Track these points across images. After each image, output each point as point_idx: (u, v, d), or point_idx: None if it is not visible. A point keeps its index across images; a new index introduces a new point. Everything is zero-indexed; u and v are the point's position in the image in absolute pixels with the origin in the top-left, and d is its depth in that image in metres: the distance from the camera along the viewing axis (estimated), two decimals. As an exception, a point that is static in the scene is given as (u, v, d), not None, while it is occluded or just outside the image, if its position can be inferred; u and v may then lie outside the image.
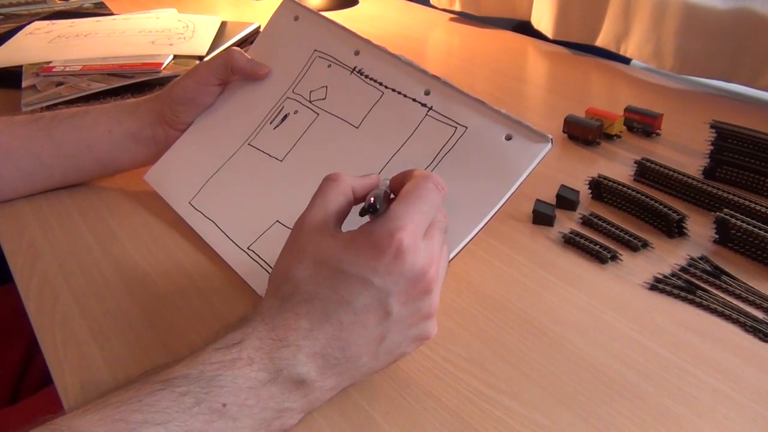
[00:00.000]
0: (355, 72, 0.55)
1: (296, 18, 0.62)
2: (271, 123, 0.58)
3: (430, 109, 0.50)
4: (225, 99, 0.62)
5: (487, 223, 0.44)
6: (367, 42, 0.56)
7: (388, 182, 0.42)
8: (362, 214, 0.38)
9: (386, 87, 0.53)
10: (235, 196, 0.55)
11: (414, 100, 0.51)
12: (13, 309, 0.60)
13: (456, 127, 0.48)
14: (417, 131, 0.49)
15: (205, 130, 0.61)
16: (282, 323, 0.37)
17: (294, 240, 0.40)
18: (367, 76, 0.54)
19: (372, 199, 0.38)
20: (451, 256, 0.43)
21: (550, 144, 0.44)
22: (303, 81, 0.58)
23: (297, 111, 0.57)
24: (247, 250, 0.51)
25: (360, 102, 0.54)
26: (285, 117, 0.57)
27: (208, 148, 0.60)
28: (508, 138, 0.45)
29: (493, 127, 0.46)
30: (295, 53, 0.60)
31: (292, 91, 0.58)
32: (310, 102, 0.57)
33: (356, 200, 0.41)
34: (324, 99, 0.56)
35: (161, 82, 0.83)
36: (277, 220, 0.51)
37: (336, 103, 0.55)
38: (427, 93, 0.50)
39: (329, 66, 0.57)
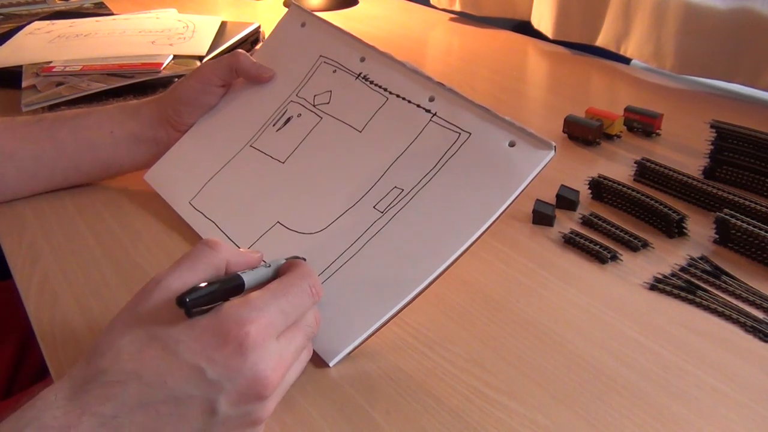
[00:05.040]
0: (360, 78, 0.55)
1: (303, 24, 0.62)
2: (273, 125, 0.58)
3: (434, 114, 0.50)
4: (228, 101, 0.62)
5: (488, 228, 0.44)
6: (373, 49, 0.56)
7: (280, 262, 0.41)
8: (177, 303, 0.33)
9: (391, 93, 0.53)
10: (236, 197, 0.55)
11: (418, 106, 0.51)
12: (8, 304, 0.60)
13: (459, 133, 0.48)
14: (420, 136, 0.49)
15: (207, 131, 0.61)
16: (79, 406, 0.31)
17: (137, 301, 0.35)
18: (372, 82, 0.55)
19: (186, 291, 0.33)
20: (451, 260, 0.43)
21: (553, 151, 0.44)
22: (307, 85, 0.58)
23: (300, 114, 0.57)
24: None
25: (364, 107, 0.54)
26: (288, 120, 0.57)
27: (209, 149, 0.60)
28: (512, 144, 0.45)
29: (496, 133, 0.46)
30: (300, 58, 0.60)
31: (296, 95, 0.58)
32: (313, 106, 0.57)
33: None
34: (328, 103, 0.56)
35: (161, 82, 0.83)
36: (278, 222, 0.51)
37: (340, 108, 0.55)
38: (431, 99, 0.50)
39: (334, 71, 0.57)
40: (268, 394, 0.34)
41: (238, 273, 0.37)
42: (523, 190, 0.44)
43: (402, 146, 0.50)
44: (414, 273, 0.44)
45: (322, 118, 0.56)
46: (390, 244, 0.46)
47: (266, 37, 0.65)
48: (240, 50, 0.61)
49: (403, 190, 0.48)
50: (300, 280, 0.38)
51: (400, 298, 0.43)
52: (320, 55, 0.59)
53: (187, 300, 0.33)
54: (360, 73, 0.56)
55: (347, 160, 0.52)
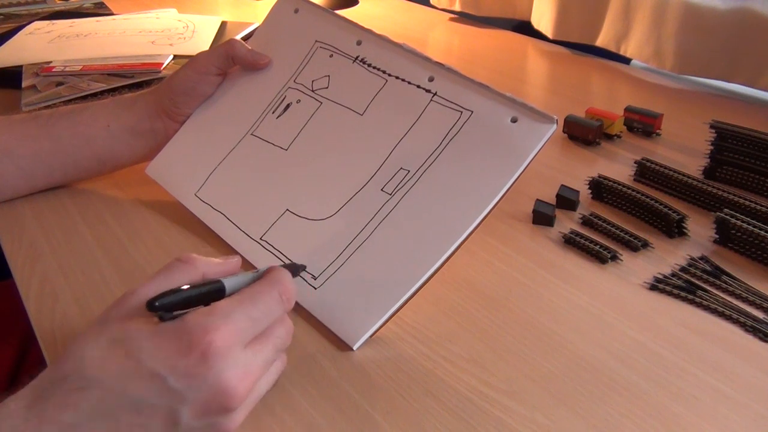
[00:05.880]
0: (358, 61, 0.55)
1: (296, 10, 0.62)
2: (273, 113, 0.58)
3: (435, 94, 0.50)
4: (225, 89, 0.62)
5: (495, 205, 0.44)
6: (369, 32, 0.56)
7: (259, 272, 0.39)
8: (148, 307, 0.33)
9: (390, 75, 0.53)
10: (242, 187, 0.55)
11: (418, 86, 0.51)
12: (8, 304, 0.60)
13: (461, 112, 0.48)
14: (422, 117, 0.50)
15: (207, 121, 0.61)
16: (38, 414, 0.30)
17: (110, 310, 0.35)
18: (370, 65, 0.54)
19: (157, 295, 0.33)
20: (464, 237, 0.44)
21: (555, 125, 0.44)
22: (305, 71, 0.58)
23: (299, 100, 0.57)
24: (260, 241, 0.51)
25: (363, 90, 0.54)
26: (287, 106, 0.57)
27: (210, 139, 0.60)
28: (514, 120, 0.46)
29: (498, 109, 0.46)
30: (295, 44, 0.60)
31: (294, 81, 0.58)
32: (312, 91, 0.57)
33: None
34: (326, 88, 0.56)
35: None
36: (287, 209, 0.52)
37: (339, 92, 0.55)
38: (431, 79, 0.51)
39: (331, 56, 0.57)
40: (235, 407, 0.33)
41: (220, 279, 0.37)
42: (528, 164, 0.44)
43: (405, 127, 0.50)
44: (428, 252, 0.44)
45: (322, 103, 0.56)
46: (401, 225, 0.46)
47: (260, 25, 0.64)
48: (235, 38, 0.61)
49: (409, 171, 0.48)
50: (269, 287, 0.36)
51: (417, 278, 0.44)
52: (316, 40, 0.59)
53: (156, 303, 0.33)
54: (357, 57, 0.56)
55: (351, 144, 0.52)
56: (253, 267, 0.50)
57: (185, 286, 0.34)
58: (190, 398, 0.32)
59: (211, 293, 0.36)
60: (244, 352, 0.34)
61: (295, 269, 0.43)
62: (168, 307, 0.33)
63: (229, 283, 0.37)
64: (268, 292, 0.36)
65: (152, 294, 0.34)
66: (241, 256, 0.43)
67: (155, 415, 0.32)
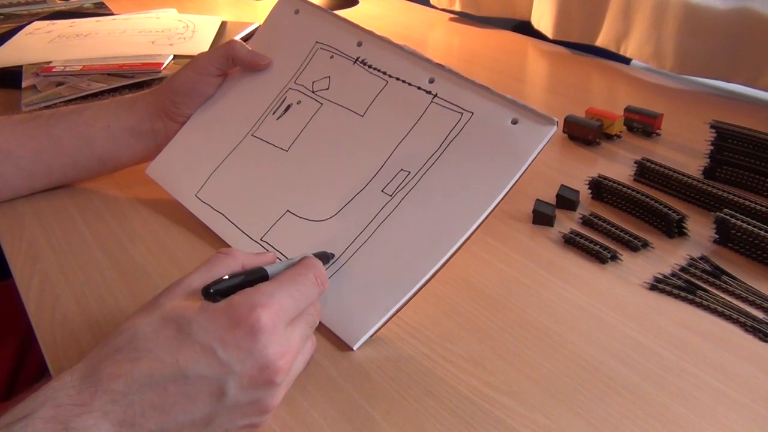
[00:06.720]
0: (358, 62, 0.55)
1: (296, 11, 0.62)
2: (273, 114, 0.58)
3: (435, 96, 0.50)
4: (225, 90, 0.62)
5: (495, 207, 0.44)
6: (370, 33, 0.56)
7: (293, 260, 0.42)
8: (203, 293, 0.36)
9: (390, 76, 0.53)
10: (243, 188, 0.55)
11: (419, 88, 0.51)
12: (9, 304, 0.60)
13: (462, 113, 0.48)
14: (423, 118, 0.50)
15: (207, 122, 0.61)
16: (92, 384, 0.32)
17: (158, 297, 0.37)
18: (370, 66, 0.55)
19: (211, 282, 0.36)
20: (464, 238, 0.44)
21: (555, 127, 0.44)
22: (305, 72, 0.58)
23: (300, 101, 0.57)
24: (260, 242, 0.51)
25: (364, 91, 0.54)
26: (288, 107, 0.57)
27: (210, 140, 0.60)
28: (514, 122, 0.46)
29: (498, 111, 0.47)
30: (296, 45, 0.60)
31: (294, 82, 0.58)
32: (313, 92, 0.57)
33: None
34: (327, 89, 0.56)
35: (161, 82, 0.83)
36: (288, 210, 0.52)
37: (340, 93, 0.55)
38: (431, 81, 0.51)
39: (331, 57, 0.57)
40: (279, 381, 0.35)
41: (262, 266, 0.39)
42: (528, 166, 0.44)
43: (405, 129, 0.50)
44: (428, 253, 0.44)
45: (322, 104, 0.56)
46: (402, 226, 0.46)
47: (260, 25, 0.64)
48: (235, 39, 0.61)
49: (410, 172, 0.48)
50: (305, 270, 0.39)
51: (417, 280, 0.44)
52: (316, 42, 0.59)
53: (211, 290, 0.36)
54: (358, 58, 0.56)
55: (351, 145, 0.52)
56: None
57: (226, 276, 0.37)
58: (237, 370, 0.34)
59: (257, 280, 0.38)
60: (286, 330, 0.36)
61: (326, 258, 0.46)
62: (222, 292, 0.36)
63: (270, 270, 0.39)
64: (304, 275, 0.39)
65: (197, 283, 0.37)
66: None
67: (203, 385, 0.33)
